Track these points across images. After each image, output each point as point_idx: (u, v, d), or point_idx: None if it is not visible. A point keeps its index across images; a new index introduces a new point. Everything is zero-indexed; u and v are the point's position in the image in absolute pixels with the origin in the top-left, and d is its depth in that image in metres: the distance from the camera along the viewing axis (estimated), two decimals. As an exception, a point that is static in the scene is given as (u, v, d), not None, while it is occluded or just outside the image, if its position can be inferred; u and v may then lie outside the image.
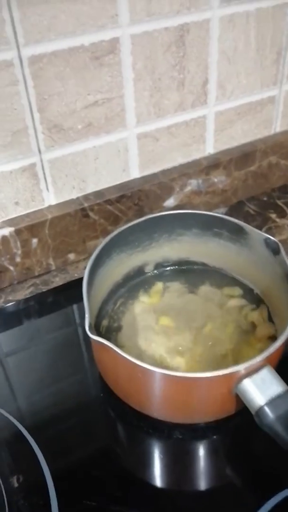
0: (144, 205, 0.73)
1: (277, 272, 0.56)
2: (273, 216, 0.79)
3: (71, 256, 0.71)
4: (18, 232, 0.64)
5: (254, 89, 0.74)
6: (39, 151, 0.62)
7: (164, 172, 0.73)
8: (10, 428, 0.53)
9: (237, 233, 0.60)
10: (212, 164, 0.75)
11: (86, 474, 0.49)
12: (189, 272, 0.66)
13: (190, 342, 0.57)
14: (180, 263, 0.67)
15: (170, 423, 0.52)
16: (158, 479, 0.50)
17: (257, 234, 0.58)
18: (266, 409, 0.43)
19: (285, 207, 0.81)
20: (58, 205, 0.67)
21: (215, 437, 0.52)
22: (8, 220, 0.65)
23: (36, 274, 0.70)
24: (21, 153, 0.61)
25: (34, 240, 0.66)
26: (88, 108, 0.62)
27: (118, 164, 0.69)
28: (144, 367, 0.44)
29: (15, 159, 0.61)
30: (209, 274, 0.66)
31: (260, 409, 0.43)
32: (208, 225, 0.62)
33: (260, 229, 0.59)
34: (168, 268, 0.67)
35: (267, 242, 0.56)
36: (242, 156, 0.77)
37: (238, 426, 0.52)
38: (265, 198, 0.83)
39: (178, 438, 0.52)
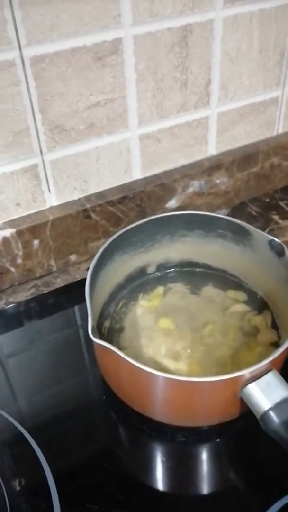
0: (146, 206, 0.72)
1: (281, 275, 0.55)
2: (276, 217, 0.79)
3: (73, 258, 0.71)
4: (19, 233, 0.64)
5: (257, 90, 0.73)
6: (41, 152, 0.62)
7: (166, 173, 0.73)
8: (11, 430, 0.52)
9: (240, 235, 0.60)
10: (214, 165, 0.75)
11: (88, 477, 0.48)
12: (192, 273, 0.66)
13: (190, 344, 0.57)
14: (183, 264, 0.66)
15: (173, 426, 0.51)
16: (161, 483, 0.50)
17: (261, 236, 0.57)
18: (271, 413, 0.42)
19: (287, 209, 0.81)
20: (60, 206, 0.67)
21: (218, 440, 0.52)
22: (10, 221, 0.65)
23: (38, 275, 0.69)
24: (22, 154, 0.61)
25: (36, 241, 0.66)
26: (90, 109, 0.62)
27: (120, 165, 0.69)
28: (148, 372, 0.44)
29: (16, 160, 0.61)
30: (212, 275, 0.66)
31: (265, 413, 0.43)
32: (212, 226, 0.62)
33: (263, 230, 0.58)
34: (170, 270, 0.66)
35: (271, 244, 0.56)
36: (245, 157, 0.77)
37: (242, 429, 0.51)
38: (267, 200, 0.83)
39: (181, 441, 0.51)
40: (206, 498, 0.48)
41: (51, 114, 0.60)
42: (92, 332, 0.46)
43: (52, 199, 0.67)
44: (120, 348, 0.46)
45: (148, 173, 0.72)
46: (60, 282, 0.69)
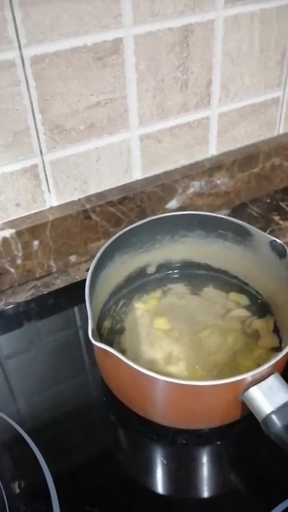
0: (146, 207, 0.72)
1: (282, 276, 0.55)
2: (277, 218, 0.79)
3: (73, 258, 0.70)
4: (19, 233, 0.64)
5: (257, 90, 0.73)
6: (41, 152, 0.62)
7: (166, 173, 0.73)
8: (10, 432, 0.52)
9: (242, 235, 0.60)
10: (215, 166, 0.75)
11: (88, 479, 0.48)
12: (192, 274, 0.66)
13: (190, 346, 0.57)
14: (183, 265, 0.66)
15: (174, 429, 0.51)
16: (161, 485, 0.49)
17: (262, 237, 0.57)
18: (274, 417, 0.42)
19: (288, 209, 0.81)
20: (60, 207, 0.67)
21: (219, 442, 0.52)
22: (9, 221, 0.65)
23: (37, 276, 0.69)
24: (22, 154, 0.60)
25: (35, 242, 0.66)
26: (91, 109, 0.61)
27: (121, 165, 0.69)
28: (149, 375, 0.44)
29: (16, 160, 0.61)
30: (213, 276, 0.65)
31: (267, 417, 0.42)
32: (212, 227, 0.61)
33: (264, 231, 0.58)
34: (171, 270, 0.66)
35: (273, 244, 0.56)
36: (245, 158, 0.77)
37: (243, 432, 0.51)
38: (268, 200, 0.83)
39: (182, 443, 0.51)
40: (207, 501, 0.48)
41: (51, 114, 0.59)
42: (92, 335, 0.45)
43: (52, 200, 0.66)
44: (120, 350, 0.46)
45: (149, 174, 0.72)
46: (60, 283, 0.69)
